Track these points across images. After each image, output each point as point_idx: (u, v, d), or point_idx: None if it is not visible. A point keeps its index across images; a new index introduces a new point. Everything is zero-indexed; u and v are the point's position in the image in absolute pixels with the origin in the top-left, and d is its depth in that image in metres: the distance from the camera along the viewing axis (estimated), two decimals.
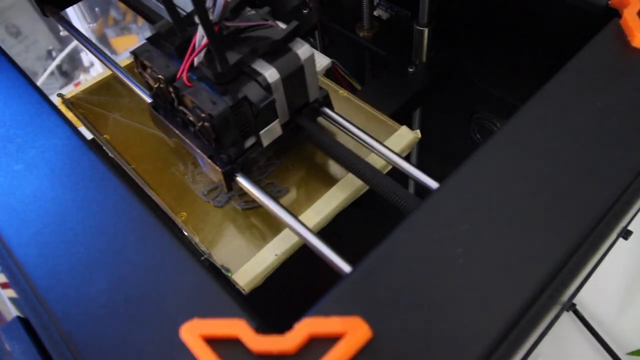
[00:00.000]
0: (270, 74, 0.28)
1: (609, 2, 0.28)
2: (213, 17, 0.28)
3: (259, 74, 0.28)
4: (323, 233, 0.32)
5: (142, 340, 0.19)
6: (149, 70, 0.30)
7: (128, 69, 0.39)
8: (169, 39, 0.29)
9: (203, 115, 0.27)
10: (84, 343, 0.19)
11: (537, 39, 0.39)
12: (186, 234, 0.32)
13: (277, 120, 0.31)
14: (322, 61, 0.38)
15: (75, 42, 1.10)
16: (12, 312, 0.68)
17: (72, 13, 1.02)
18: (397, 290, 0.19)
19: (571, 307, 0.52)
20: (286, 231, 0.32)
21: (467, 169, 0.22)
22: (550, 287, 0.19)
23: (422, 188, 0.28)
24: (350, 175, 0.34)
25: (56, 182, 0.24)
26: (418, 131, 0.35)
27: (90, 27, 1.04)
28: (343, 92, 0.39)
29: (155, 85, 0.30)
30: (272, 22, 0.29)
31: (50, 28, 1.12)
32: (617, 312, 0.56)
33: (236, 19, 0.30)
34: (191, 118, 0.29)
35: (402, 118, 0.38)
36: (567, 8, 0.33)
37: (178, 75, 0.29)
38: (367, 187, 0.33)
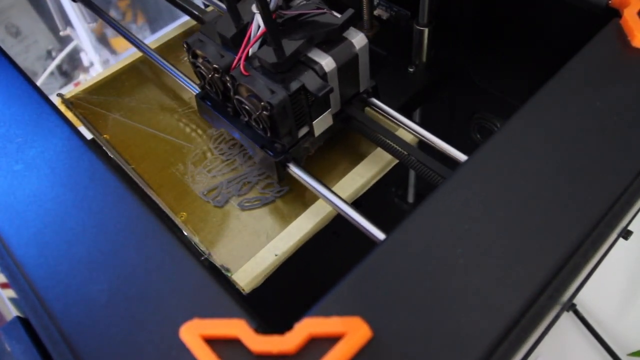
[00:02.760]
0: (327, 62, 0.28)
1: (609, 2, 0.28)
2: (270, 5, 0.28)
3: (316, 63, 0.28)
4: (322, 233, 0.32)
5: (142, 340, 0.19)
6: (201, 60, 0.31)
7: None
8: (223, 29, 0.29)
9: (262, 103, 0.27)
10: (84, 343, 0.19)
11: (537, 39, 0.39)
12: (186, 234, 0.32)
13: (329, 110, 0.31)
14: None
15: (75, 42, 1.10)
16: (12, 312, 0.68)
17: (72, 13, 1.02)
18: (397, 290, 0.19)
19: (571, 307, 0.52)
20: (286, 231, 0.32)
21: (467, 170, 0.22)
22: (550, 287, 0.19)
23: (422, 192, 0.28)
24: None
25: (56, 182, 0.24)
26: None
27: (90, 27, 1.04)
28: None
29: (209, 75, 0.30)
30: (327, 10, 0.29)
31: (50, 28, 1.12)
32: (618, 313, 0.56)
33: (290, 7, 0.30)
34: (247, 107, 0.29)
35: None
36: (567, 8, 0.32)
37: (234, 65, 0.29)
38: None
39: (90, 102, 0.41)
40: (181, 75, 0.37)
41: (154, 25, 1.13)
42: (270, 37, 0.26)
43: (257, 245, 0.31)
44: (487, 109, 0.45)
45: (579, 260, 0.19)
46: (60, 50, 1.12)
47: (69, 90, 0.42)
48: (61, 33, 1.09)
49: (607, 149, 0.22)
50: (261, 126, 0.29)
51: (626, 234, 0.39)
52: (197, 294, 0.20)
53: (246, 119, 0.30)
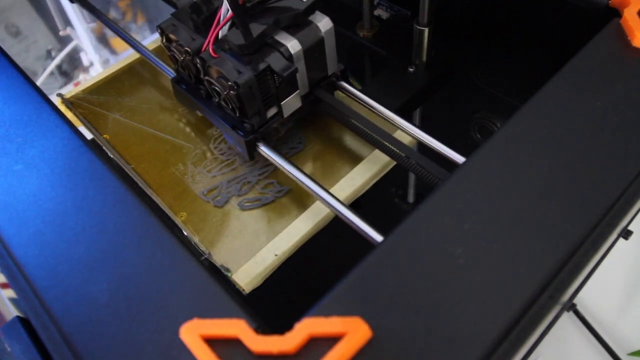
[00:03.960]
0: (293, 45, 0.29)
1: (609, 1, 0.28)
2: None
3: (282, 45, 0.29)
4: (322, 233, 0.32)
5: (142, 340, 0.19)
6: (174, 44, 0.32)
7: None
8: (195, 13, 0.30)
9: (229, 83, 0.28)
10: (84, 343, 0.19)
11: (537, 39, 0.39)
12: (186, 234, 0.32)
13: (297, 92, 0.32)
14: None
15: (75, 42, 1.09)
16: (12, 312, 0.68)
17: (72, 13, 1.02)
18: (397, 290, 0.19)
19: (571, 307, 0.52)
20: (286, 231, 0.32)
21: (467, 169, 0.22)
22: (550, 287, 0.19)
23: (425, 185, 0.28)
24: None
25: (56, 182, 0.24)
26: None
27: (90, 27, 1.04)
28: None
29: (181, 58, 0.32)
30: None
31: (50, 28, 1.12)
32: (618, 312, 0.56)
33: None
34: (217, 88, 0.30)
35: (402, 118, 0.38)
36: (567, 8, 0.32)
37: (204, 47, 0.30)
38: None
39: (90, 102, 0.41)
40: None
41: (154, 25, 1.13)
42: (237, 20, 0.28)
43: (257, 245, 0.31)
44: (487, 108, 0.45)
45: (579, 260, 0.19)
46: (60, 50, 1.12)
47: (69, 90, 0.42)
48: (61, 33, 1.09)
49: (607, 149, 0.22)
50: (230, 106, 0.30)
51: (626, 234, 0.39)
52: (197, 294, 0.20)
53: (217, 100, 0.31)
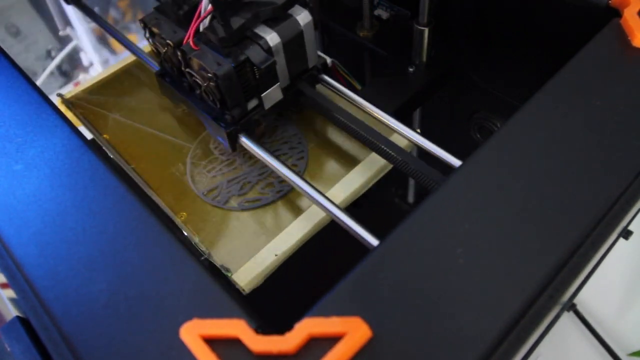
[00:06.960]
0: (272, 37, 0.30)
1: (609, 1, 0.28)
2: None
3: (261, 38, 0.30)
4: (322, 232, 0.32)
5: (142, 340, 0.19)
6: (157, 37, 0.33)
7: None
8: (176, 7, 0.31)
9: (209, 75, 0.29)
10: (84, 343, 0.19)
11: (537, 39, 0.39)
12: (186, 234, 0.32)
13: (278, 84, 0.33)
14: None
15: (75, 42, 1.09)
16: (12, 312, 0.68)
17: (72, 13, 1.02)
18: (397, 290, 0.19)
19: (571, 307, 0.52)
20: (286, 231, 0.32)
21: (467, 169, 0.22)
22: (550, 287, 0.19)
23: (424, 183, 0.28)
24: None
25: (56, 182, 0.24)
26: (418, 131, 0.35)
27: (90, 27, 1.04)
28: None
29: (164, 51, 0.33)
30: None
31: (50, 28, 1.12)
32: (618, 312, 0.56)
33: None
34: (197, 80, 0.31)
35: (402, 118, 0.38)
36: (567, 8, 0.32)
37: (185, 40, 0.31)
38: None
39: (90, 102, 0.41)
40: None
41: None
42: (218, 13, 0.29)
43: (257, 245, 0.31)
44: (487, 108, 0.45)
45: (579, 260, 0.19)
46: (60, 50, 1.12)
47: (69, 90, 0.42)
48: (61, 33, 1.09)
49: (607, 149, 0.22)
50: (211, 98, 0.31)
51: (626, 234, 0.39)
52: (197, 294, 0.20)
53: (198, 92, 0.32)
